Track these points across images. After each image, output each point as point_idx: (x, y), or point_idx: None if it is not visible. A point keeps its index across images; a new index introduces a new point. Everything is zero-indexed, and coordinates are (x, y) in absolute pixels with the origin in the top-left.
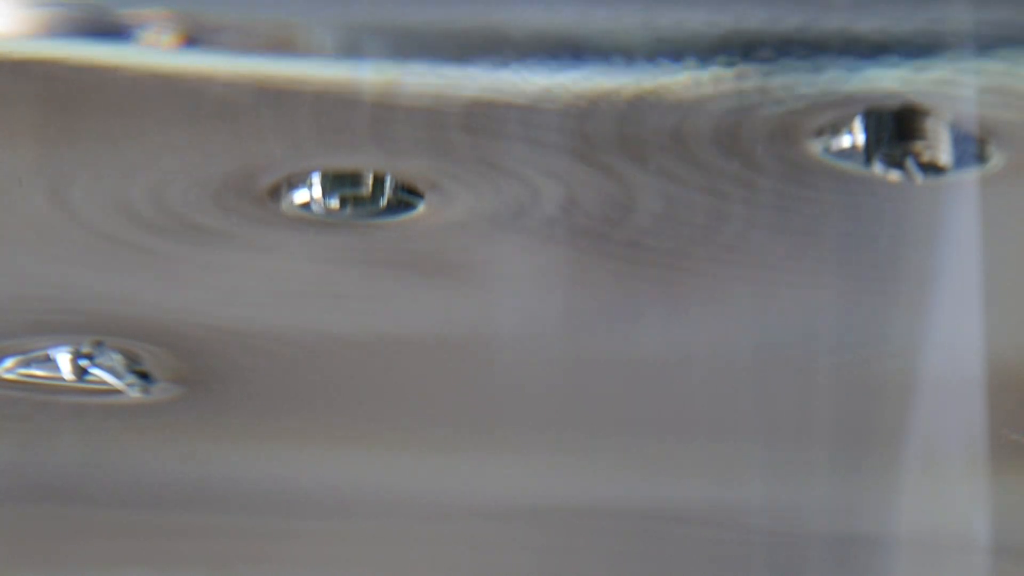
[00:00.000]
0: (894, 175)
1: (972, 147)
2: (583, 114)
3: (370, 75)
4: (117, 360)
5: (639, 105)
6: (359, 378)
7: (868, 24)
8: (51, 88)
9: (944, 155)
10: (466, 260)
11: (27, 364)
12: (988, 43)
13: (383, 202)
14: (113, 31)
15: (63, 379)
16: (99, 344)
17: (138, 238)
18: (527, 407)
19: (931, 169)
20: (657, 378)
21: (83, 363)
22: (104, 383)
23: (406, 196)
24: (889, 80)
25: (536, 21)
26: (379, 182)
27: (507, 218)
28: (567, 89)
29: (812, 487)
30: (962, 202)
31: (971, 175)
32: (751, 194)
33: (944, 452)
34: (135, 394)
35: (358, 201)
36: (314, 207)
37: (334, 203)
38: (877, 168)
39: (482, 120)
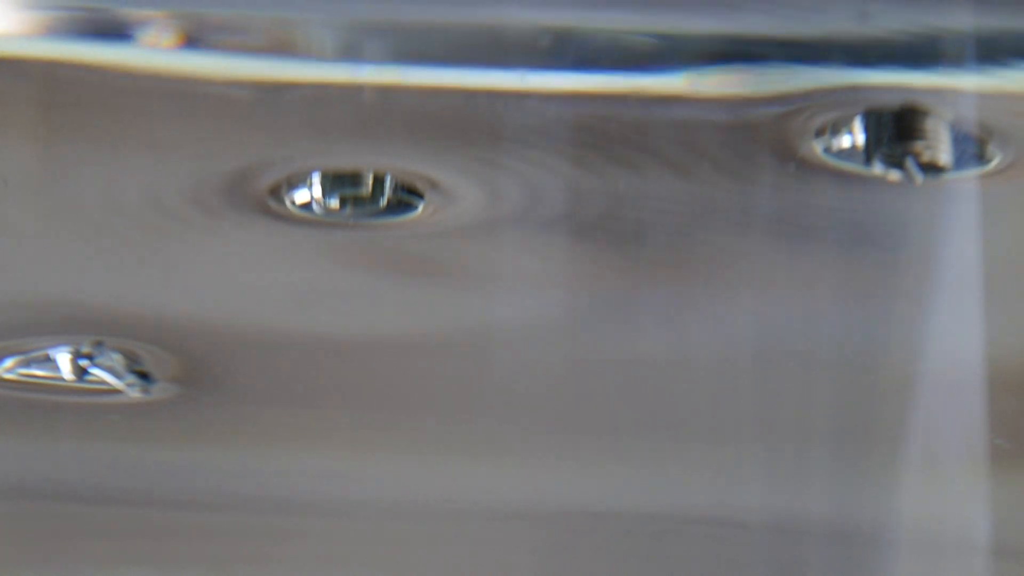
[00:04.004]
0: (894, 175)
1: (972, 147)
2: (582, 114)
3: (370, 75)
4: (117, 360)
5: (638, 105)
6: (359, 378)
7: (869, 24)
8: (51, 88)
9: (944, 155)
10: (466, 260)
11: (27, 364)
12: (989, 43)
13: (383, 202)
14: (113, 31)
15: (63, 379)
16: (99, 344)
17: (138, 238)
18: (527, 407)
19: (931, 169)
20: (657, 379)
21: (83, 363)
22: (104, 383)
23: (406, 196)
24: (889, 80)
25: (536, 21)
26: (379, 182)
27: (507, 218)
28: (566, 89)
29: (812, 487)
30: (962, 202)
31: (971, 175)
32: (751, 194)
33: (944, 452)
34: (135, 394)
35: (358, 201)
36: (314, 207)
37: (334, 203)
38: (877, 168)
39: (481, 120)
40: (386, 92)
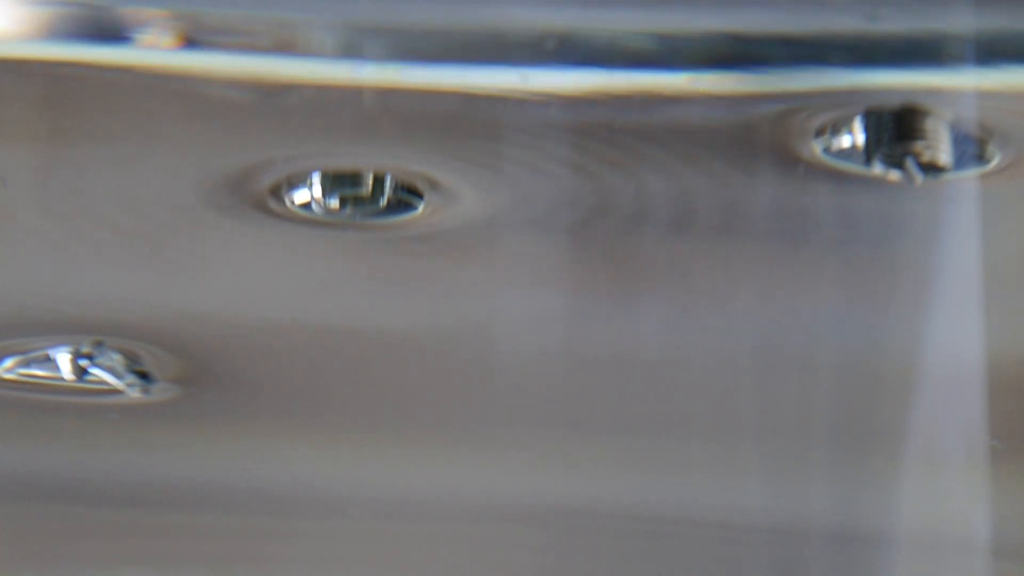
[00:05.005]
0: (894, 175)
1: (972, 147)
2: (582, 114)
3: (370, 75)
4: (117, 360)
5: (639, 105)
6: (359, 378)
7: (869, 24)
8: (51, 88)
9: (944, 155)
10: (465, 259)
11: (27, 364)
12: (989, 43)
13: (383, 202)
14: (113, 31)
15: (63, 379)
16: (99, 344)
17: (138, 238)
18: (527, 407)
19: (931, 169)
20: (657, 378)
21: (83, 363)
22: (104, 383)
23: (406, 196)
24: (889, 80)
25: (536, 21)
26: (379, 182)
27: (506, 217)
28: (567, 89)
29: (812, 487)
30: (962, 202)
31: (971, 175)
32: (750, 194)
33: (944, 452)
34: (135, 394)
35: (358, 201)
36: (314, 207)
37: (334, 203)
38: (877, 168)
39: (481, 120)
40: (386, 92)
